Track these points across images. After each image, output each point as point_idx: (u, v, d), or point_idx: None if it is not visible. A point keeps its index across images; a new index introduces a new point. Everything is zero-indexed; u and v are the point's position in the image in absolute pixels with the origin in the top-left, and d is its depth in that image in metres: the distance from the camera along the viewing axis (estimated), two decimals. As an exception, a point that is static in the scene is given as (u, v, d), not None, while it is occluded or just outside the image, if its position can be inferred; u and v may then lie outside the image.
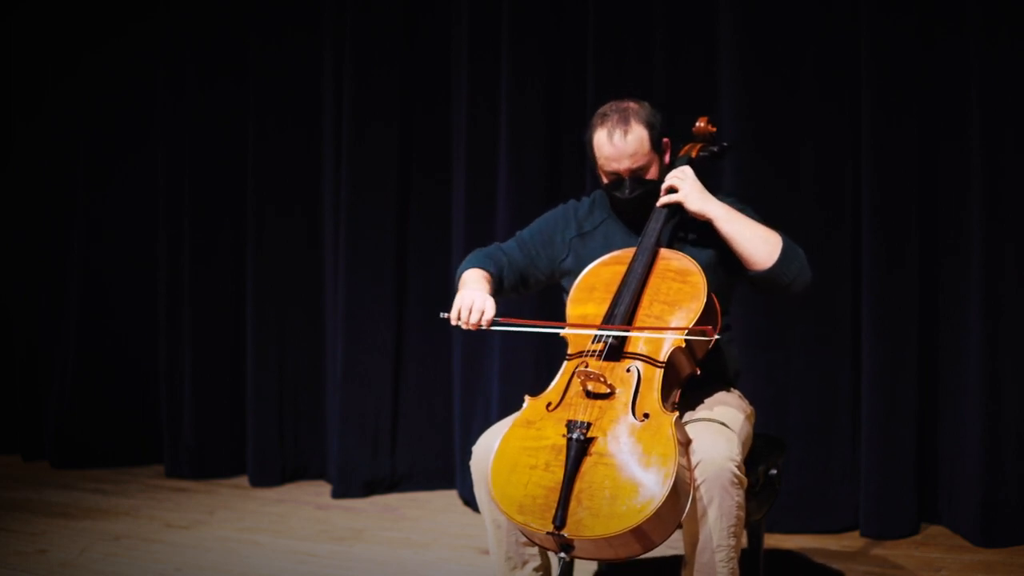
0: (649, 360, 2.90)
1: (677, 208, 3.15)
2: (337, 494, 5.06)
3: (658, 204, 3.14)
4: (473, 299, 3.05)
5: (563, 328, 3.04)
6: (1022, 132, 4.03)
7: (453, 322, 3.05)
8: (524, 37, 4.73)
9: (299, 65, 5.32)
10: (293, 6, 5.31)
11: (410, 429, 5.19)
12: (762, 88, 4.33)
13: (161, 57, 5.52)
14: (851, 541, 4.24)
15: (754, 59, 4.32)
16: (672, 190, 3.13)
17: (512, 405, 3.83)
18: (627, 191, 3.16)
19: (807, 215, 4.31)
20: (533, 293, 3.48)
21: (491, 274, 3.23)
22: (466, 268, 3.25)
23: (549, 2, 4.74)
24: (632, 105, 3.16)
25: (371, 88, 5.07)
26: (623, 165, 3.13)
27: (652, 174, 3.17)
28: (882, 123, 4.18)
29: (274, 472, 5.33)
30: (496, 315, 3.04)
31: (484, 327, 3.03)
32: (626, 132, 3.11)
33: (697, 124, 3.35)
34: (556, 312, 3.33)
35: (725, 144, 3.39)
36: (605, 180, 3.20)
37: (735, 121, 4.30)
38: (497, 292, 3.23)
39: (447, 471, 5.12)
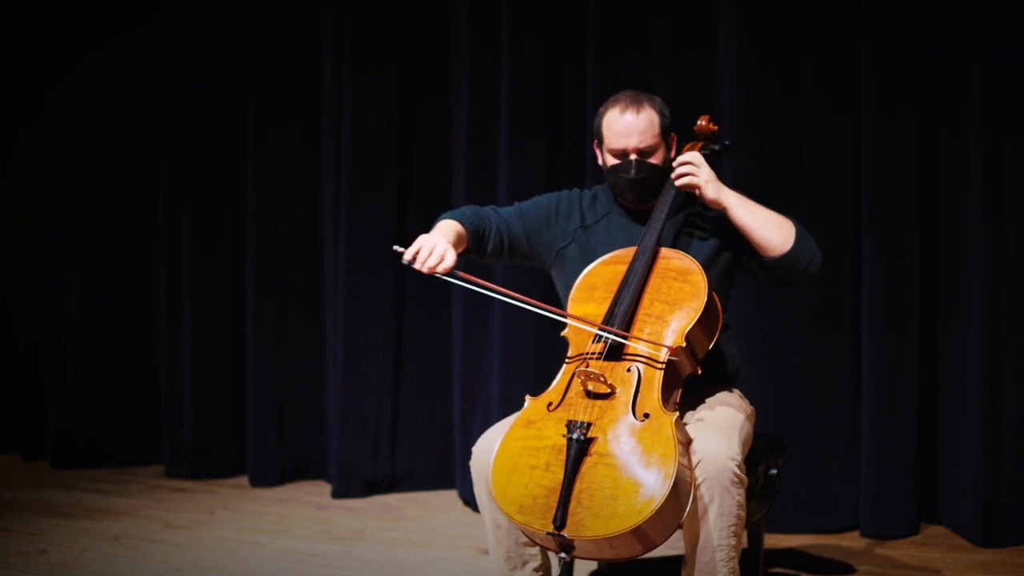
0: (650, 360, 2.90)
1: (686, 196, 3.14)
2: (337, 494, 5.05)
3: (676, 183, 3.12)
4: (435, 243, 2.96)
5: (527, 304, 2.92)
6: (1022, 132, 4.03)
7: (406, 259, 2.95)
8: (524, 35, 4.73)
9: (299, 64, 5.31)
10: (293, 4, 5.31)
11: (410, 429, 5.18)
12: (762, 87, 4.33)
13: (161, 56, 5.52)
14: (851, 541, 4.24)
15: (754, 59, 4.32)
16: (687, 174, 3.11)
17: (512, 405, 3.83)
18: (633, 171, 3.15)
19: (807, 215, 4.27)
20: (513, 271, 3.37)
21: (467, 230, 3.16)
22: (445, 217, 3.18)
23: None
24: (644, 94, 3.20)
25: (371, 86, 5.06)
26: (632, 142, 3.14)
27: (657, 161, 3.17)
28: (882, 123, 4.18)
29: (274, 472, 5.33)
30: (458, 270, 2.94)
31: (439, 274, 2.94)
32: (638, 110, 3.14)
33: (699, 122, 3.34)
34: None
35: (727, 142, 3.39)
36: (611, 161, 3.19)
37: (735, 120, 4.30)
38: (472, 251, 3.19)
39: (447, 471, 5.12)
